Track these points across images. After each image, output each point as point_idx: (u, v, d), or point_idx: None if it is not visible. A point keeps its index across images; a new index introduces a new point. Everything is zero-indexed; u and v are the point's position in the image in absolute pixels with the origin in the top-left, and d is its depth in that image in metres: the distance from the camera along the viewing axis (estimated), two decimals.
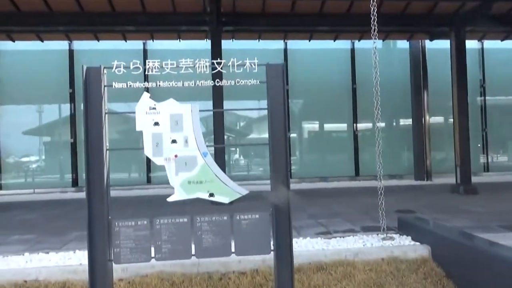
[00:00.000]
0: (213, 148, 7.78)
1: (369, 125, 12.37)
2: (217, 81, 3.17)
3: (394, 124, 12.53)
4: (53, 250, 4.63)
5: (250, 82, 3.16)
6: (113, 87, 3.05)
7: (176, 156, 3.06)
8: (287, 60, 11.56)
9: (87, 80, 3.02)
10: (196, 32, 9.02)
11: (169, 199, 3.06)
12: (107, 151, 3.08)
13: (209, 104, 7.87)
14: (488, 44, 11.79)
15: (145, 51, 10.76)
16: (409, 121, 11.82)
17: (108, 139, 3.11)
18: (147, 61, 3.08)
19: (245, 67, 3.12)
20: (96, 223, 3.00)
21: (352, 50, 11.75)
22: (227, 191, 3.10)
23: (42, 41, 9.64)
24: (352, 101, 11.94)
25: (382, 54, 12.85)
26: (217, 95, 7.55)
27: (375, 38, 4.96)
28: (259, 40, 9.89)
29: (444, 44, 11.80)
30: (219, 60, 3.16)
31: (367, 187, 10.60)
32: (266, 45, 11.41)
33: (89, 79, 3.03)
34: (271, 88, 3.14)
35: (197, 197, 3.10)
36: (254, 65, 3.11)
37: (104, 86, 3.07)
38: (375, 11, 4.93)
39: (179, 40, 9.54)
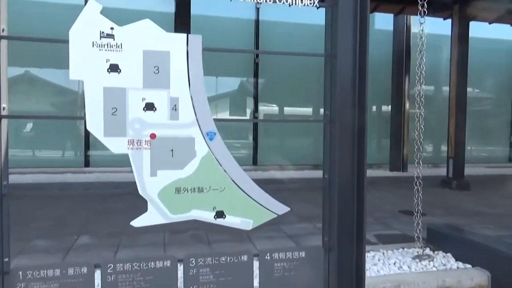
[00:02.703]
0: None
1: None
2: None
3: (371, 110, 11.59)
4: None
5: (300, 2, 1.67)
6: None
7: (153, 137, 1.52)
8: (259, 31, 10.06)
9: None
10: None
11: (135, 223, 1.52)
12: (3, 119, 1.45)
13: None
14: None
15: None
16: (387, 108, 10.90)
17: (7, 96, 1.48)
18: None
19: None
20: None
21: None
22: (251, 208, 1.62)
23: None
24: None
25: None
26: None
27: (422, 13, 3.51)
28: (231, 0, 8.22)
29: (430, 29, 10.95)
30: None
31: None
32: (237, 14, 9.83)
33: None
34: (339, 22, 1.66)
35: (191, 219, 1.60)
36: None
37: None
38: None
39: None
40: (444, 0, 7.34)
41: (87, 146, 8.97)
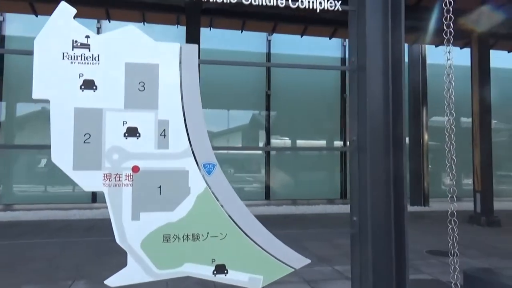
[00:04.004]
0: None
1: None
2: None
3: None
4: None
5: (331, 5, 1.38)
6: None
7: (136, 170, 1.20)
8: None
9: None
10: (167, 12, 7.14)
11: (111, 282, 1.18)
12: None
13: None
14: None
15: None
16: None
17: None
18: None
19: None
20: None
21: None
22: (260, 260, 1.27)
23: None
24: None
25: None
26: None
27: (448, 45, 3.25)
28: (242, 31, 8.17)
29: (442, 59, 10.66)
30: None
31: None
32: (248, 47, 9.73)
33: None
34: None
35: (184, 276, 1.25)
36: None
37: None
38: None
39: (143, 23, 7.59)
40: (461, 27, 7.07)
41: None
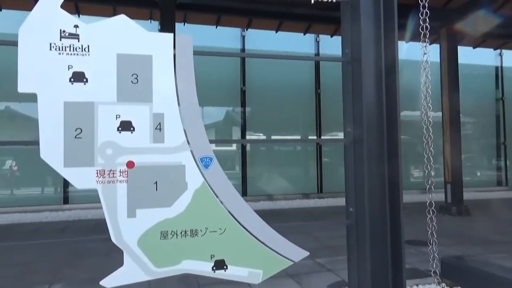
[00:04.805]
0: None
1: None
2: None
3: None
4: None
5: None
6: None
7: (131, 165, 1.16)
8: (245, 59, 9.90)
9: None
10: (139, 7, 6.95)
11: (107, 283, 1.13)
12: None
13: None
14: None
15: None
16: None
17: None
18: None
19: None
20: None
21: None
22: (260, 254, 1.25)
23: None
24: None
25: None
26: None
27: (425, 40, 3.35)
28: (216, 26, 8.08)
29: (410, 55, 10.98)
30: None
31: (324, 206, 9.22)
32: (222, 43, 9.61)
33: None
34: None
35: (181, 273, 1.21)
36: None
37: None
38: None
39: None
40: (430, 24, 7.28)
41: (66, 182, 8.45)
